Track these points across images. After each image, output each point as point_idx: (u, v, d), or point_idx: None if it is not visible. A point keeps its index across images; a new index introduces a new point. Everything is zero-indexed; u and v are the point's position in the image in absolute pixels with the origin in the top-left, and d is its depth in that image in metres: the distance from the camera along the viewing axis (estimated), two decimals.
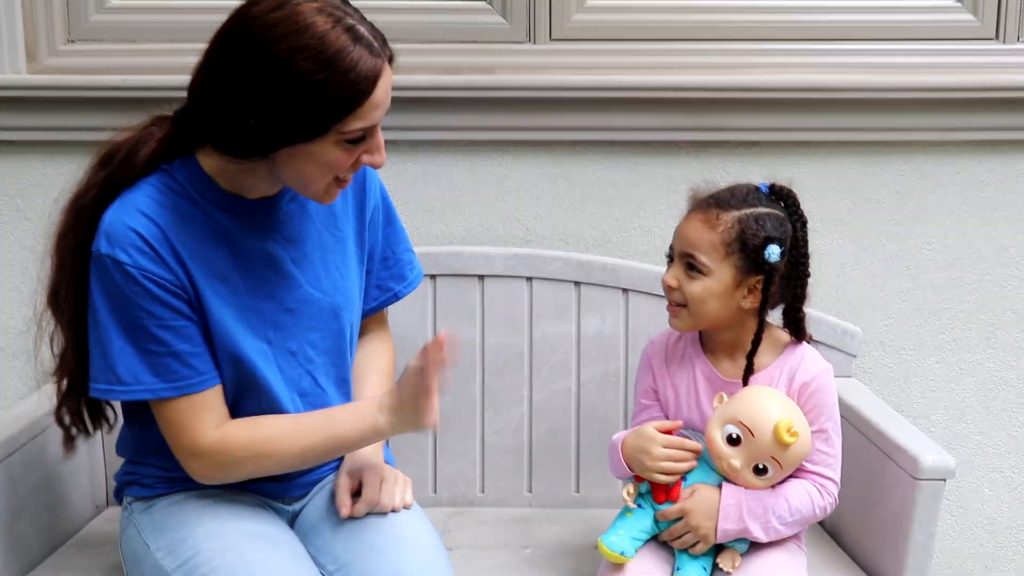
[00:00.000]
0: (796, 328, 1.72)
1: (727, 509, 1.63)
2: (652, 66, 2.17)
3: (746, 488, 1.64)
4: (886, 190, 2.21)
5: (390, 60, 1.50)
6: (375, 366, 1.82)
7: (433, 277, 2.11)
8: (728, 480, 1.64)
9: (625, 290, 2.11)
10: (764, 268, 1.65)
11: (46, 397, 1.88)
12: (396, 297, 1.84)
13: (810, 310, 2.04)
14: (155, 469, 1.67)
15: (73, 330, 1.58)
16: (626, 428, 1.82)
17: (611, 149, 2.19)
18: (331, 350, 1.69)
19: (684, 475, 1.65)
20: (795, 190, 2.14)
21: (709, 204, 1.69)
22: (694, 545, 1.64)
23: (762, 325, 1.67)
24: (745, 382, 1.68)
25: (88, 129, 1.82)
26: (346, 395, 1.73)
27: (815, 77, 2.14)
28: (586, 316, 2.12)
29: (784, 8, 2.19)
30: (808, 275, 1.70)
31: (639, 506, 1.67)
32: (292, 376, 1.65)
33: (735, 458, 1.61)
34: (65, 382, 1.63)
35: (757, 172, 2.16)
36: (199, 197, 1.55)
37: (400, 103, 2.10)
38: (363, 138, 1.49)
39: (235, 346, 1.57)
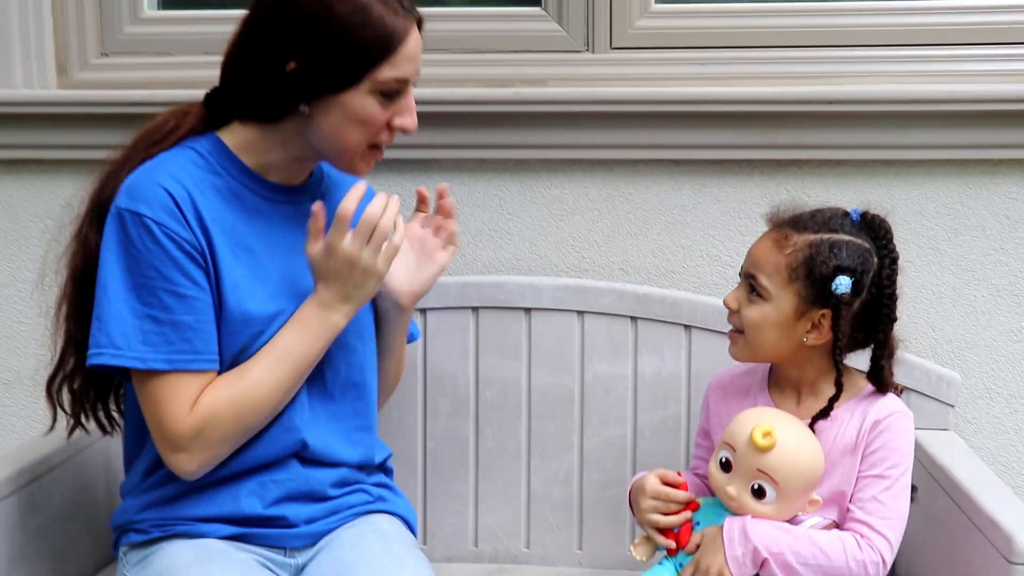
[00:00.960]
0: (875, 379, 1.51)
1: (730, 535, 1.45)
2: (723, 76, 1.96)
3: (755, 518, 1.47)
4: (993, 215, 1.94)
5: (419, 23, 1.54)
6: None
7: (475, 309, 1.93)
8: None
9: (687, 326, 1.89)
10: (831, 301, 1.45)
11: (58, 436, 1.77)
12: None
13: (907, 355, 1.83)
14: (150, 511, 1.56)
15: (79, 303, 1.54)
16: None
17: (676, 168, 1.98)
18: (345, 346, 1.60)
19: (697, 521, 1.51)
20: (887, 215, 1.90)
21: (785, 224, 1.53)
22: None
23: (840, 369, 1.48)
24: (812, 426, 1.50)
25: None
26: (361, 397, 1.65)
27: (909, 87, 1.89)
28: (644, 355, 1.91)
29: (873, 9, 1.96)
30: (893, 319, 1.49)
31: (660, 563, 1.53)
32: None
33: (729, 484, 1.46)
34: (71, 358, 1.59)
35: (841, 194, 1.94)
36: (223, 171, 1.54)
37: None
38: (396, 93, 1.50)
39: (257, 313, 1.51)
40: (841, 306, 1.46)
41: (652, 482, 1.53)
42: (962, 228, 1.95)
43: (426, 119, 1.94)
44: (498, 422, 1.94)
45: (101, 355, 1.45)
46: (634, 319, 1.91)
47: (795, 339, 1.50)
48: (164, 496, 1.54)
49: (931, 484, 1.71)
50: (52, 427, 1.64)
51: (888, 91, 1.88)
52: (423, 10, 2.05)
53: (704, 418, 1.67)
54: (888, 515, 1.48)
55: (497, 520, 1.95)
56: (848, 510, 1.50)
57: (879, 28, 1.94)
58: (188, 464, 1.49)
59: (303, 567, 1.58)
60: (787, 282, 1.49)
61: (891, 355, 1.52)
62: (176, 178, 1.48)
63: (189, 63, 2.05)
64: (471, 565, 1.93)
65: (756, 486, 1.45)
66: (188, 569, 1.48)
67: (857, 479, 1.50)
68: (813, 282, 1.48)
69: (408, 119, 1.53)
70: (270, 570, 1.55)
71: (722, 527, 1.47)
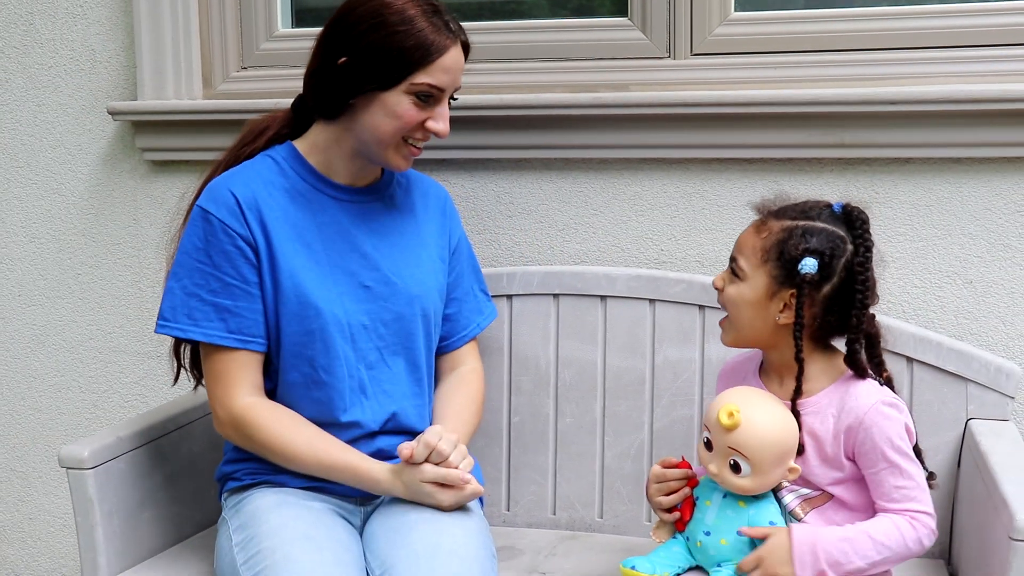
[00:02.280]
0: (851, 362, 1.58)
1: (801, 556, 1.53)
2: (795, 79, 2.05)
3: (738, 491, 1.56)
4: None
5: (465, 47, 1.76)
6: (451, 409, 1.87)
7: (556, 296, 2.09)
8: (733, 491, 1.58)
9: None
10: (796, 281, 1.55)
11: (194, 399, 2.03)
12: (478, 327, 1.98)
13: (966, 346, 1.88)
14: (243, 464, 1.80)
15: None
16: None
17: (749, 167, 2.09)
18: (402, 332, 1.80)
19: (697, 495, 1.63)
20: (955, 211, 1.96)
21: (769, 213, 1.63)
22: None
23: (799, 346, 1.56)
24: (793, 406, 1.58)
25: None
26: (418, 382, 1.83)
27: (974, 87, 1.93)
28: (711, 341, 2.02)
29: (937, 12, 2.00)
30: (867, 305, 1.56)
31: (675, 537, 1.66)
32: (362, 348, 1.76)
33: (711, 462, 1.56)
34: None
35: (910, 191, 2.01)
36: (293, 173, 1.79)
37: (534, 121, 2.13)
38: (430, 98, 1.72)
39: (311, 298, 1.72)
40: (804, 285, 1.54)
41: (654, 468, 1.66)
42: None
43: (517, 122, 2.14)
44: (576, 401, 2.09)
45: (157, 326, 1.75)
46: (701, 307, 2.03)
47: (769, 319, 1.59)
48: (252, 453, 1.77)
49: (973, 469, 1.77)
50: (175, 381, 1.90)
51: (953, 91, 1.93)
52: (511, 23, 2.24)
53: None
54: (915, 493, 1.55)
55: (573, 491, 2.10)
56: (876, 504, 1.57)
57: (943, 31, 1.99)
58: (216, 424, 1.77)
59: (371, 513, 1.79)
60: (761, 263, 1.59)
61: (873, 342, 1.59)
62: (246, 182, 1.74)
63: None
64: (548, 531, 2.09)
65: (732, 462, 1.54)
66: (268, 512, 1.70)
67: (868, 476, 1.57)
68: (783, 263, 1.56)
69: (440, 124, 1.74)
70: (343, 517, 1.76)
71: (790, 534, 1.53)
